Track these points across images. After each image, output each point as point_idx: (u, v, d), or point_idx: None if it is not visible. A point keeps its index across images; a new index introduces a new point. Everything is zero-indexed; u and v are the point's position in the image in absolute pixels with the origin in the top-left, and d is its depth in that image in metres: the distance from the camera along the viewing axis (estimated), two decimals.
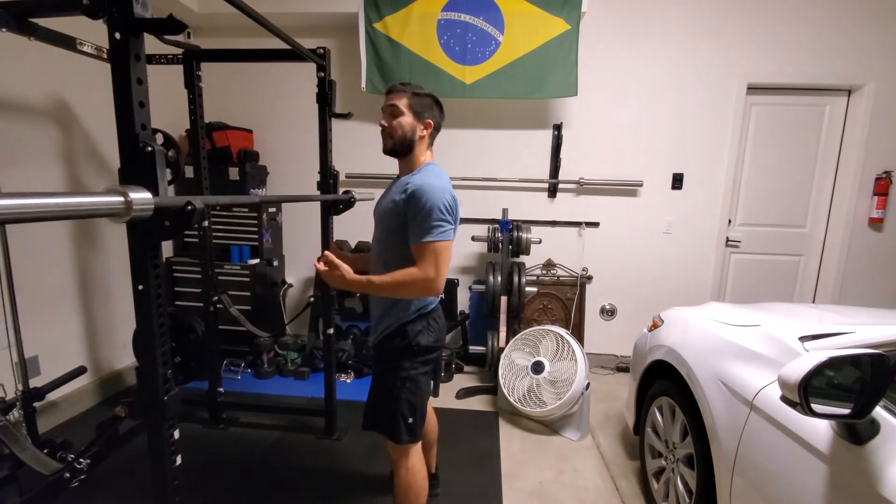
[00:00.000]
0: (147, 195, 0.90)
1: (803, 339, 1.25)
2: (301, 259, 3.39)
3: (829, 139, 3.08)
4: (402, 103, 1.39)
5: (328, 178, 2.03)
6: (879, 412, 0.91)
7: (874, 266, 3.08)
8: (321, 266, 1.36)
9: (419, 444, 1.47)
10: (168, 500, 1.12)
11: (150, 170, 0.95)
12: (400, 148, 1.41)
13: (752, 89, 3.01)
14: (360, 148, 3.21)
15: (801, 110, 3.06)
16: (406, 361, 1.39)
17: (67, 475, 1.82)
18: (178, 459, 1.12)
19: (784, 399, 0.89)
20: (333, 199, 1.98)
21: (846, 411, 0.86)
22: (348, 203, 2.04)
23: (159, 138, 2.13)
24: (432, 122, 1.41)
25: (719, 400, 1.38)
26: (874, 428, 0.90)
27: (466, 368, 3.19)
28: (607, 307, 3.30)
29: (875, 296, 3.10)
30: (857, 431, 0.91)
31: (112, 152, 2.63)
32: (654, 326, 2.03)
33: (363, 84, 2.89)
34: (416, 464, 1.44)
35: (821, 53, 2.91)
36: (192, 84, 2.09)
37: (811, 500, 0.99)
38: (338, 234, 3.16)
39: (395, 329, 1.39)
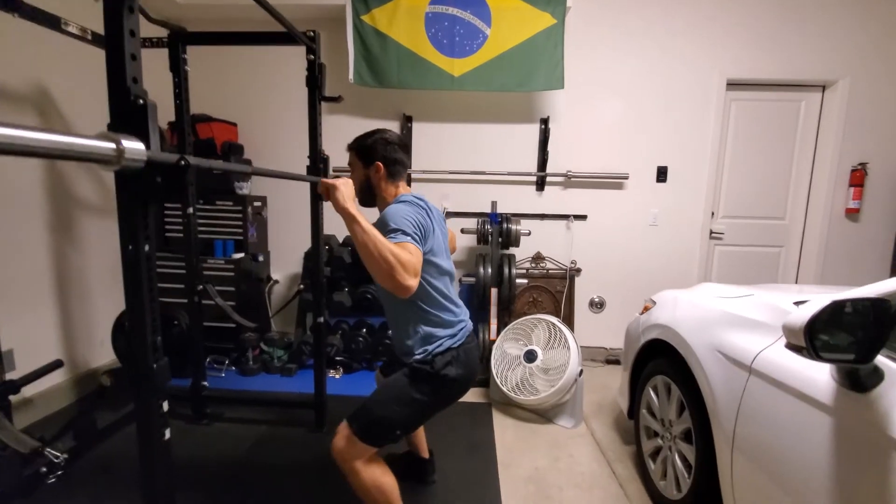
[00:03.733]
0: (140, 145, 0.86)
1: (798, 304, 1.27)
2: (287, 255, 3.33)
3: (805, 133, 3.19)
4: (351, 160, 1.51)
5: (318, 162, 2.00)
6: (882, 360, 0.92)
7: (852, 256, 3.18)
8: (328, 180, 1.32)
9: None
10: (159, 477, 1.05)
11: (142, 124, 0.91)
12: (367, 198, 1.50)
13: (732, 85, 3.10)
14: (347, 141, 3.17)
15: (779, 105, 3.17)
16: (427, 387, 1.37)
17: (44, 469, 1.73)
18: (168, 433, 1.07)
19: (789, 346, 0.90)
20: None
21: (850, 356, 0.87)
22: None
23: None
24: (381, 164, 1.45)
25: (717, 369, 1.39)
26: (878, 375, 0.91)
27: None
28: (596, 300, 3.32)
29: (854, 285, 3.18)
30: (860, 379, 0.91)
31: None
32: (646, 309, 2.04)
33: (351, 76, 2.88)
34: (368, 463, 1.35)
35: (796, 50, 3.02)
36: (178, 68, 2.04)
37: (817, 453, 0.99)
38: (326, 229, 3.13)
39: (422, 358, 1.39)
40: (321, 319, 2.13)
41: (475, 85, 2.86)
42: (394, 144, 1.48)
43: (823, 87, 3.15)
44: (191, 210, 2.11)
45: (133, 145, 0.84)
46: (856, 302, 0.85)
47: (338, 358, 2.98)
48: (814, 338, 0.84)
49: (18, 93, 2.19)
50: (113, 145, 0.81)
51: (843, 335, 0.87)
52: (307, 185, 2.07)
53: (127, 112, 0.91)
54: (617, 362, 3.28)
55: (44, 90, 2.29)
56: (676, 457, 1.63)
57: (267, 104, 3.24)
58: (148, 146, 0.90)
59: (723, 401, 1.33)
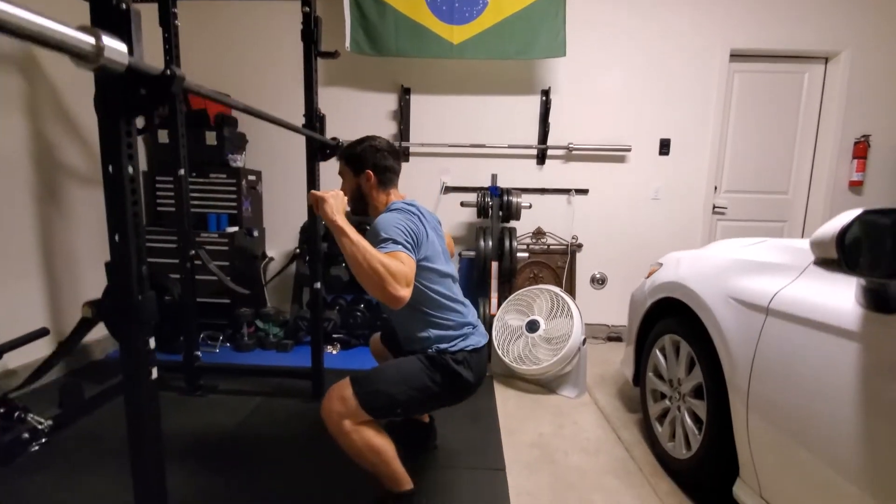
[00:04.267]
0: (122, 46, 0.80)
1: None
2: (283, 232, 3.26)
3: (808, 106, 3.15)
4: (342, 169, 1.50)
5: (314, 120, 1.93)
6: None
7: None
8: (318, 193, 1.27)
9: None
10: (147, 421, 0.99)
11: (124, 27, 0.84)
12: (359, 206, 1.50)
13: (735, 56, 3.05)
14: (343, 114, 3.10)
15: (782, 77, 3.12)
16: (440, 378, 1.34)
17: (26, 436, 1.65)
18: (154, 372, 1.00)
19: (818, 262, 0.84)
20: (320, 141, 1.88)
21: (882, 271, 0.82)
22: (335, 148, 1.95)
23: None
24: (371, 172, 1.44)
25: (730, 317, 1.33)
26: None
27: None
28: (597, 276, 3.27)
29: None
30: (888, 299, 0.86)
31: (82, 112, 2.46)
32: (652, 272, 1.99)
33: (347, 44, 2.81)
34: (357, 425, 1.27)
35: (799, 20, 2.97)
36: (168, 23, 1.97)
37: (842, 384, 0.94)
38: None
39: (435, 354, 1.36)
40: (318, 285, 2.06)
41: (475, 53, 2.80)
42: (384, 151, 1.46)
43: (826, 60, 3.11)
44: (182, 172, 2.02)
45: (114, 44, 0.78)
46: (888, 213, 0.80)
47: (335, 335, 2.92)
48: (845, 249, 0.78)
49: (3, 54, 2.11)
50: (92, 40, 0.74)
51: (874, 249, 0.82)
52: (304, 162, 2.00)
53: (108, 14, 0.84)
54: (619, 339, 3.23)
55: (28, 53, 2.21)
56: (686, 415, 1.58)
57: (263, 78, 3.17)
58: (130, 51, 0.84)
59: (737, 347, 1.28)
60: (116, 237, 0.93)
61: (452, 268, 1.50)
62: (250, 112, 1.27)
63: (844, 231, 0.78)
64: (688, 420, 1.56)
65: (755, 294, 1.25)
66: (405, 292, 1.16)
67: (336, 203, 1.22)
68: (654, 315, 1.89)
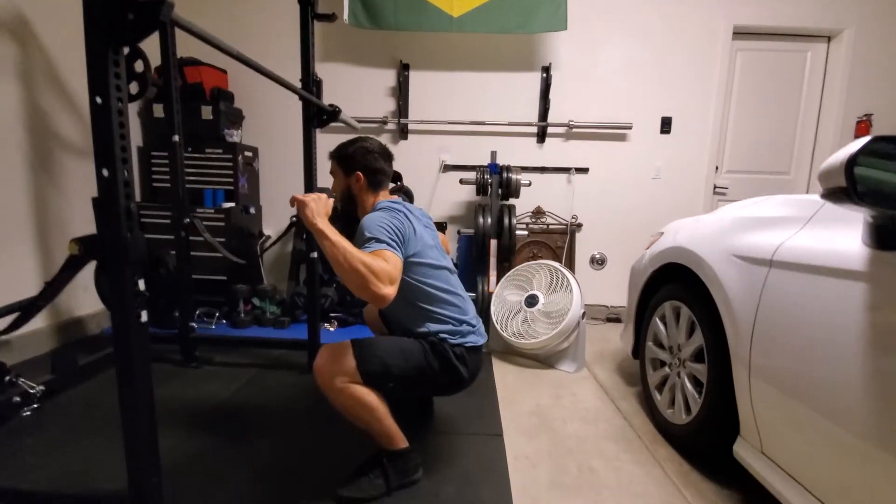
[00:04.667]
0: None
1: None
2: (280, 211, 3.22)
3: (811, 85, 3.12)
4: (333, 169, 1.51)
5: (310, 85, 1.89)
6: None
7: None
8: (300, 196, 1.25)
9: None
10: (137, 366, 0.96)
11: None
12: (347, 206, 1.50)
13: (738, 34, 3.02)
14: (341, 90, 3.07)
15: (784, 56, 3.09)
16: (437, 365, 1.34)
17: (17, 399, 1.63)
18: (144, 316, 0.98)
19: (825, 195, 0.82)
20: (317, 105, 1.84)
21: (892, 202, 0.79)
22: (332, 114, 1.92)
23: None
24: (361, 174, 1.44)
25: (732, 273, 1.31)
26: None
27: None
28: (597, 256, 3.25)
29: None
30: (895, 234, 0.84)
31: (73, 76, 2.42)
32: (653, 242, 1.97)
33: (345, 16, 2.76)
34: (347, 381, 1.25)
35: None
36: None
37: (846, 328, 0.92)
38: (320, 182, 3.03)
39: (436, 340, 1.36)
40: (314, 254, 2.04)
41: (475, 26, 2.76)
42: (374, 153, 1.46)
43: (829, 38, 3.08)
44: (177, 138, 1.99)
45: None
46: None
47: (333, 314, 2.90)
48: (854, 176, 0.76)
49: None
50: None
51: (883, 178, 0.79)
52: (300, 139, 1.96)
53: None
54: (618, 320, 3.21)
55: (21, 17, 2.17)
56: (686, 380, 1.56)
57: (259, 54, 3.11)
58: None
59: (739, 304, 1.26)
60: (104, 172, 0.91)
61: (448, 261, 1.50)
62: (243, 60, 1.24)
63: (854, 158, 0.75)
64: (688, 385, 1.55)
65: (758, 248, 1.23)
66: (389, 290, 1.15)
67: (317, 206, 1.21)
68: (654, 285, 1.88)
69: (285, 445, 1.55)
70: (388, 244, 1.23)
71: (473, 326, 1.44)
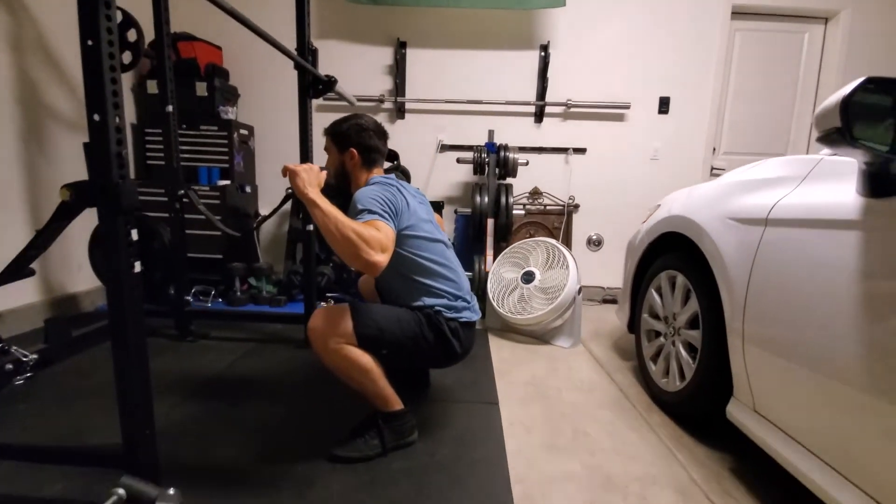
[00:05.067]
0: None
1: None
2: (276, 190, 3.21)
3: (808, 66, 3.12)
4: (327, 145, 1.50)
5: (306, 52, 1.87)
6: None
7: None
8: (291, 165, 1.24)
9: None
10: (130, 317, 0.96)
11: None
12: (341, 183, 1.49)
13: (737, 14, 3.01)
14: (337, 68, 3.02)
15: (782, 37, 3.09)
16: (432, 336, 1.33)
17: (10, 367, 1.62)
18: (138, 266, 0.97)
19: (821, 138, 0.82)
20: (312, 74, 1.83)
21: (885, 146, 0.79)
22: (328, 84, 1.91)
23: (119, 15, 1.94)
24: (355, 150, 1.44)
25: (728, 236, 1.31)
26: None
27: None
28: (594, 237, 3.25)
29: None
30: (889, 180, 0.84)
31: (64, 45, 2.39)
32: (650, 216, 1.97)
33: None
34: (343, 343, 1.25)
35: None
36: None
37: (840, 279, 0.92)
38: (316, 160, 3.02)
39: (431, 312, 1.35)
40: (311, 227, 2.03)
41: (473, 2, 2.73)
42: (369, 131, 1.46)
43: (826, 20, 3.07)
44: (171, 92, 1.96)
45: None
46: (894, 81, 0.77)
47: (329, 293, 2.89)
48: (849, 115, 0.76)
49: None
50: None
51: (878, 123, 0.79)
52: (296, 119, 1.94)
53: None
54: (614, 301, 3.22)
55: None
56: (680, 348, 1.57)
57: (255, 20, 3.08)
58: None
59: (734, 264, 1.26)
60: (95, 116, 0.89)
61: (444, 236, 1.49)
62: (236, 17, 1.22)
63: (849, 98, 0.75)
64: (682, 352, 1.55)
65: (754, 208, 1.23)
66: (381, 258, 1.15)
67: (308, 176, 1.20)
68: (649, 260, 1.88)
69: (281, 412, 1.55)
70: (380, 215, 1.22)
71: (468, 302, 1.45)
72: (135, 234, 0.96)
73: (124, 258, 0.94)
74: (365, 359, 1.26)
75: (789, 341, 1.06)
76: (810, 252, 1.01)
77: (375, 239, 1.14)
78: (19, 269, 1.01)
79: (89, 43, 0.87)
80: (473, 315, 1.45)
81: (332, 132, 1.49)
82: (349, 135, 1.45)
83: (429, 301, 1.36)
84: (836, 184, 1.02)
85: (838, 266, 0.93)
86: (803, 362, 1.01)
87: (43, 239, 0.98)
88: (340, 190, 1.49)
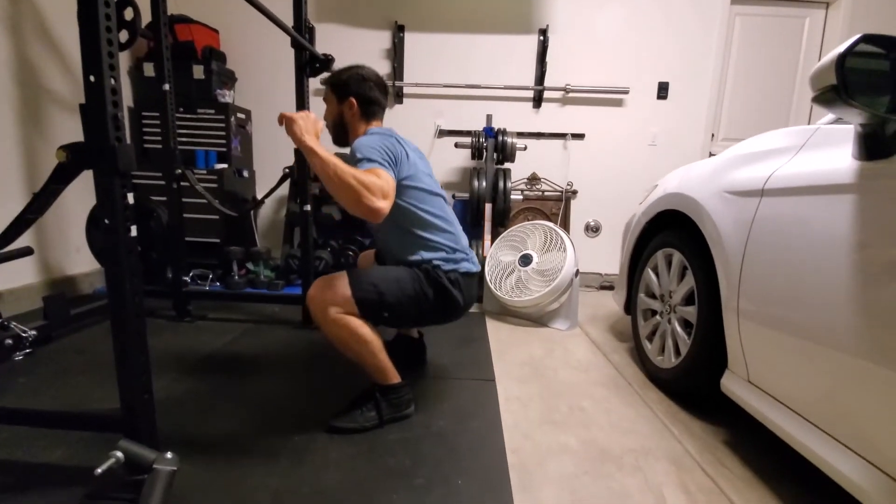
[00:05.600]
0: None
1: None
2: (273, 175, 3.17)
3: (808, 52, 3.11)
4: (326, 95, 1.48)
5: (302, 31, 1.86)
6: None
7: None
8: (288, 113, 1.23)
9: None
10: (128, 281, 0.95)
11: None
12: (339, 133, 1.48)
13: None
14: (334, 52, 3.01)
15: (783, 22, 3.07)
16: (431, 292, 1.32)
17: (9, 342, 1.62)
18: (134, 230, 0.97)
19: (816, 97, 0.82)
20: (310, 52, 1.82)
21: (881, 107, 0.79)
22: (325, 63, 1.90)
23: None
24: (354, 100, 1.42)
25: (724, 209, 1.32)
26: None
27: None
28: (592, 224, 3.25)
29: None
30: (884, 142, 0.84)
31: (63, 27, 2.37)
32: (647, 197, 1.98)
33: None
34: (342, 312, 1.24)
35: None
36: None
37: (835, 245, 0.93)
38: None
39: (429, 268, 1.34)
40: (307, 207, 2.03)
41: None
42: (370, 82, 1.43)
43: (827, 5, 3.06)
44: (165, 49, 1.95)
45: None
46: (891, 39, 0.77)
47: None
48: (844, 73, 0.76)
49: None
50: None
51: (874, 83, 0.79)
52: (294, 102, 1.93)
53: None
54: (611, 288, 3.22)
55: None
56: (676, 325, 1.58)
57: (252, 13, 3.06)
58: None
59: (730, 236, 1.26)
60: (91, 77, 0.89)
61: (443, 191, 1.48)
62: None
63: (844, 55, 0.75)
64: (678, 329, 1.56)
65: (750, 181, 1.23)
66: (383, 204, 1.14)
67: (306, 124, 1.19)
68: (646, 240, 1.88)
69: (279, 387, 1.56)
70: (380, 163, 1.20)
71: (467, 255, 1.44)
72: (131, 198, 0.96)
73: (121, 221, 0.94)
74: (364, 330, 1.26)
75: (784, 311, 1.07)
76: (806, 219, 1.02)
77: (376, 185, 1.13)
78: (18, 232, 1.00)
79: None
80: (473, 266, 1.44)
81: (332, 81, 1.46)
82: (349, 84, 1.42)
83: (426, 255, 1.35)
84: (832, 151, 1.02)
85: (833, 232, 0.94)
86: (797, 331, 1.02)
87: (39, 203, 0.98)
88: (337, 143, 1.49)
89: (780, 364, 1.11)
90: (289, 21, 1.85)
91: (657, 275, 1.76)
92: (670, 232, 1.67)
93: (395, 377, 1.35)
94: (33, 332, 1.69)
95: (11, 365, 1.65)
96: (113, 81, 0.90)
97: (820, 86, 0.79)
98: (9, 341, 1.64)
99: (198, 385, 1.55)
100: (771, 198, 1.14)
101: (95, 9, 0.86)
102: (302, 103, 1.94)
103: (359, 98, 1.42)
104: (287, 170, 2.03)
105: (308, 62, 1.88)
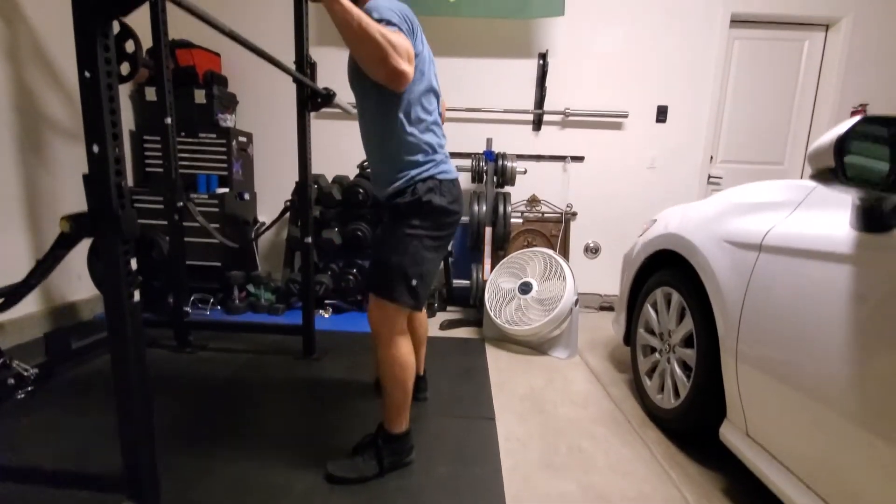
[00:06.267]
0: None
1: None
2: (274, 197, 3.21)
3: (807, 74, 3.12)
4: None
5: (304, 66, 1.88)
6: None
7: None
8: None
9: (405, 322, 1.32)
10: (131, 345, 0.96)
11: None
12: None
13: (736, 22, 3.01)
14: (336, 76, 3.03)
15: (782, 45, 3.09)
16: (416, 220, 1.24)
17: (11, 382, 1.63)
18: (137, 295, 0.98)
19: (815, 175, 0.83)
20: (311, 88, 1.83)
21: (878, 184, 0.80)
22: (327, 98, 1.91)
23: (116, 26, 1.94)
24: None
25: (723, 259, 1.32)
26: None
27: (450, 308, 3.10)
28: (591, 245, 3.26)
29: None
30: (882, 217, 0.85)
31: (62, 56, 2.38)
32: (646, 230, 1.98)
33: None
34: (402, 339, 1.30)
35: None
36: None
37: (832, 311, 0.94)
38: (315, 168, 3.02)
39: (404, 187, 1.25)
40: (308, 240, 2.04)
41: (472, 10, 2.73)
42: None
43: (827, 27, 3.07)
44: (170, 111, 1.97)
45: None
46: (888, 120, 0.78)
47: (327, 300, 2.90)
48: (843, 156, 0.77)
49: None
50: None
51: (871, 161, 0.80)
52: (295, 124, 1.94)
53: None
54: (611, 309, 3.23)
55: None
56: (675, 365, 1.58)
57: (252, 34, 3.07)
58: None
59: (729, 288, 1.27)
60: (94, 148, 0.90)
61: (438, 85, 1.34)
62: (236, 38, 1.23)
63: (843, 138, 0.76)
64: (677, 370, 1.57)
65: (748, 233, 1.24)
66: (408, 67, 1.05)
67: None
68: (645, 273, 1.89)
69: (279, 427, 1.57)
70: (400, 28, 1.09)
71: (447, 159, 1.33)
72: (134, 264, 0.97)
73: (124, 289, 0.95)
74: (409, 359, 1.30)
75: (782, 368, 1.08)
76: (803, 282, 1.02)
77: (402, 45, 1.04)
78: (20, 297, 1.01)
79: (87, 74, 0.88)
80: (451, 167, 1.33)
81: None
82: None
83: (406, 158, 1.24)
84: (829, 213, 1.03)
85: (830, 298, 0.95)
86: (796, 390, 1.03)
87: (43, 268, 0.98)
88: None
89: (778, 420, 1.11)
90: (291, 47, 1.86)
91: (657, 311, 1.76)
92: (669, 270, 1.68)
93: (405, 424, 1.35)
94: (35, 371, 1.70)
95: (14, 403, 1.65)
96: (117, 151, 0.91)
97: (818, 166, 0.80)
98: (11, 381, 1.65)
99: (199, 424, 1.56)
100: (769, 254, 1.15)
101: (97, 82, 0.87)
102: (304, 137, 1.95)
103: None
104: (288, 202, 2.04)
105: (310, 97, 1.89)
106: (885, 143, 0.78)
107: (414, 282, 1.25)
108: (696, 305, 1.46)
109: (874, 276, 0.86)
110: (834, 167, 0.77)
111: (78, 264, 2.51)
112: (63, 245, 0.94)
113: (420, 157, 1.25)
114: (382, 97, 1.21)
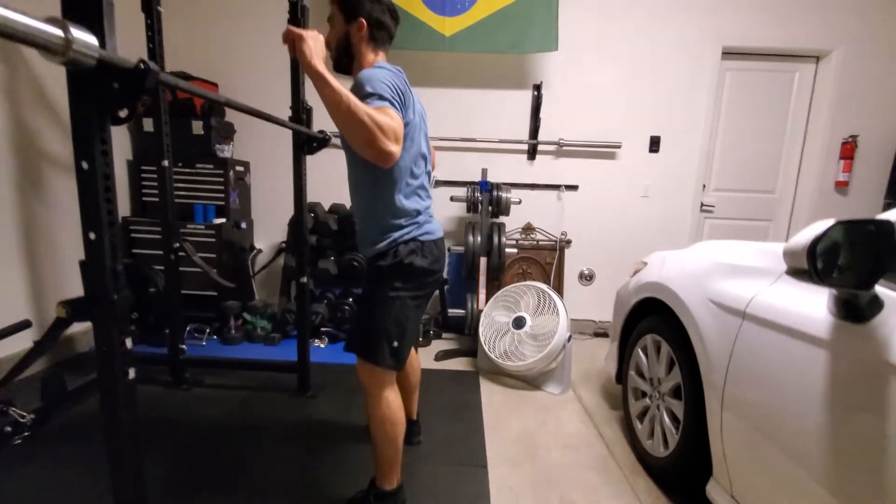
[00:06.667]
0: (92, 38, 0.78)
1: None
2: (271, 224, 3.23)
3: (798, 105, 3.16)
4: (332, 13, 1.31)
5: (300, 112, 1.90)
6: (882, 291, 0.88)
7: None
8: (296, 29, 1.13)
9: (394, 378, 1.35)
10: (124, 424, 0.98)
11: (96, 19, 0.83)
12: (342, 59, 1.33)
13: (727, 54, 3.05)
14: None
15: (773, 77, 3.13)
16: (398, 281, 1.27)
17: (8, 429, 1.64)
18: (132, 373, 0.99)
19: (790, 272, 0.85)
20: (307, 134, 1.86)
21: (852, 281, 0.83)
22: (322, 141, 1.93)
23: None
24: (364, 21, 1.26)
25: (709, 319, 1.35)
26: (877, 304, 0.87)
27: (445, 335, 3.12)
28: (586, 272, 3.29)
29: None
30: (859, 308, 0.88)
31: (64, 100, 2.41)
32: (637, 271, 2.01)
33: None
34: (391, 395, 1.32)
35: (792, 18, 2.96)
36: (151, 8, 1.92)
37: (811, 389, 0.96)
38: (311, 196, 3.04)
39: (386, 249, 1.28)
40: (304, 280, 2.06)
41: (467, 46, 2.77)
42: (383, 4, 1.30)
43: (818, 59, 3.12)
44: (167, 162, 1.99)
45: (84, 36, 0.76)
46: (859, 224, 0.81)
47: (323, 329, 2.92)
48: (816, 260, 0.79)
49: None
50: (60, 32, 0.72)
51: (844, 260, 0.83)
52: (290, 152, 1.97)
53: (79, 4, 0.82)
54: (605, 335, 3.26)
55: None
56: (664, 414, 1.61)
57: (250, 65, 3.11)
58: (102, 44, 0.82)
59: (714, 350, 1.30)
60: (91, 235, 0.92)
61: (429, 151, 1.40)
62: (233, 106, 1.25)
63: (816, 242, 0.79)
64: (666, 419, 1.59)
65: (733, 298, 1.27)
66: (395, 148, 1.07)
67: (316, 46, 1.08)
68: (638, 312, 1.91)
69: (274, 471, 1.58)
70: (391, 103, 1.10)
71: (431, 221, 1.38)
72: (129, 343, 0.99)
73: (120, 369, 0.96)
74: (399, 416, 1.32)
75: (764, 434, 1.10)
76: (784, 357, 1.05)
77: (390, 127, 1.05)
78: (14, 375, 1.03)
79: (84, 166, 0.90)
80: (435, 226, 1.38)
81: None
82: (361, 2, 1.26)
83: (390, 222, 1.28)
84: (809, 290, 1.05)
85: (809, 379, 0.97)
86: (777, 458, 1.05)
87: (41, 349, 1.00)
88: (338, 69, 1.34)
89: (761, 487, 1.14)
90: (286, 63, 1.87)
91: (647, 356, 1.79)
92: (659, 318, 1.70)
93: (396, 480, 1.37)
94: (31, 416, 1.72)
95: (11, 450, 1.66)
96: (112, 237, 0.93)
97: (794, 266, 0.83)
98: (8, 428, 1.66)
99: (194, 467, 1.58)
100: (752, 323, 1.17)
101: (94, 173, 0.89)
102: (300, 180, 1.98)
103: (369, 20, 1.26)
104: (284, 244, 2.06)
105: (305, 141, 1.91)
106: (857, 245, 0.80)
107: (396, 343, 1.28)
108: (684, 359, 1.48)
109: (851, 364, 0.89)
110: (808, 270, 0.79)
111: (75, 294, 2.52)
112: (60, 328, 0.96)
113: (403, 221, 1.29)
114: (371, 163, 1.21)
